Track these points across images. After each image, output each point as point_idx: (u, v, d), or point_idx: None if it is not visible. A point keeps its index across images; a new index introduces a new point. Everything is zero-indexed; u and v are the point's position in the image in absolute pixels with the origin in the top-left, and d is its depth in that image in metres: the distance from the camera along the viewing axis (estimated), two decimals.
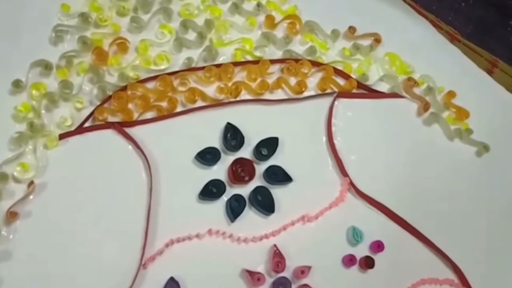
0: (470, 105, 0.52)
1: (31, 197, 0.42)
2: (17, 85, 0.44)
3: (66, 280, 0.40)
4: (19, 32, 0.47)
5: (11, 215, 0.40)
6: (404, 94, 0.51)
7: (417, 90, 0.52)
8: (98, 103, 0.46)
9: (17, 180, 0.42)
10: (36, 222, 0.41)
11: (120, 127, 0.45)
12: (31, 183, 0.42)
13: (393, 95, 0.51)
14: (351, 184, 0.47)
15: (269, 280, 0.43)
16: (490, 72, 0.55)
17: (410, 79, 0.51)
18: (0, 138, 0.43)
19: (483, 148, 0.51)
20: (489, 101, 0.53)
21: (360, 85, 0.51)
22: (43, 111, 0.44)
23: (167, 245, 0.42)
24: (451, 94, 0.52)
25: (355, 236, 0.46)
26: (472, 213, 0.49)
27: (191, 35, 0.50)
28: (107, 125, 0.45)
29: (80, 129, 0.45)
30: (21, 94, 0.45)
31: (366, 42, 0.53)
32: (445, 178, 0.49)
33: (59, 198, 0.42)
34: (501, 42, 0.57)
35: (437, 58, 0.54)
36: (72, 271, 0.41)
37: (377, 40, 0.53)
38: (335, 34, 0.52)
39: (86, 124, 0.45)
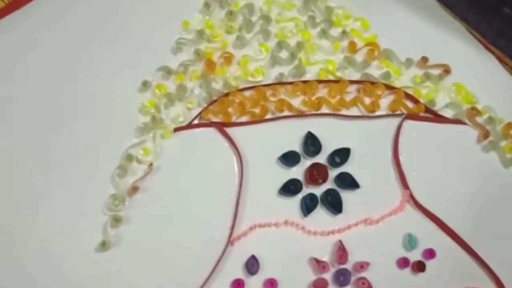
0: None
1: (148, 176, 0.51)
2: (145, 84, 0.54)
3: (171, 243, 0.49)
4: (149, 42, 0.57)
5: (134, 189, 0.50)
6: (466, 121, 0.56)
7: (479, 119, 0.56)
8: (205, 105, 0.55)
9: (139, 161, 0.52)
10: (151, 196, 0.51)
11: (221, 126, 0.54)
12: (150, 164, 0.52)
13: (457, 121, 0.56)
14: (411, 196, 0.52)
15: (332, 270, 0.50)
16: None
17: (473, 108, 0.56)
18: (129, 126, 0.53)
19: None
20: None
21: (427, 109, 0.56)
22: (162, 107, 0.54)
23: (250, 229, 0.50)
24: (510, 125, 0.56)
25: (410, 242, 0.52)
26: None
27: (284, 54, 0.58)
28: (211, 124, 0.54)
29: (190, 125, 0.54)
30: (147, 92, 0.55)
31: (436, 71, 0.58)
32: (497, 200, 0.54)
33: (169, 178, 0.52)
34: None
35: (500, 91, 0.58)
36: (177, 237, 0.49)
37: (446, 70, 0.58)
38: (408, 62, 0.58)
39: (195, 122, 0.54)
